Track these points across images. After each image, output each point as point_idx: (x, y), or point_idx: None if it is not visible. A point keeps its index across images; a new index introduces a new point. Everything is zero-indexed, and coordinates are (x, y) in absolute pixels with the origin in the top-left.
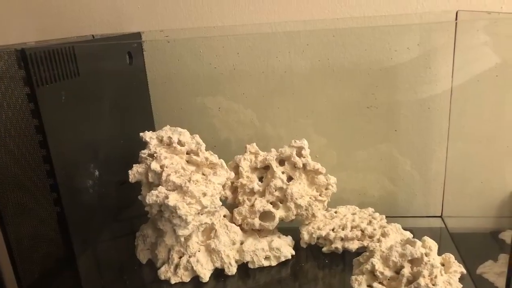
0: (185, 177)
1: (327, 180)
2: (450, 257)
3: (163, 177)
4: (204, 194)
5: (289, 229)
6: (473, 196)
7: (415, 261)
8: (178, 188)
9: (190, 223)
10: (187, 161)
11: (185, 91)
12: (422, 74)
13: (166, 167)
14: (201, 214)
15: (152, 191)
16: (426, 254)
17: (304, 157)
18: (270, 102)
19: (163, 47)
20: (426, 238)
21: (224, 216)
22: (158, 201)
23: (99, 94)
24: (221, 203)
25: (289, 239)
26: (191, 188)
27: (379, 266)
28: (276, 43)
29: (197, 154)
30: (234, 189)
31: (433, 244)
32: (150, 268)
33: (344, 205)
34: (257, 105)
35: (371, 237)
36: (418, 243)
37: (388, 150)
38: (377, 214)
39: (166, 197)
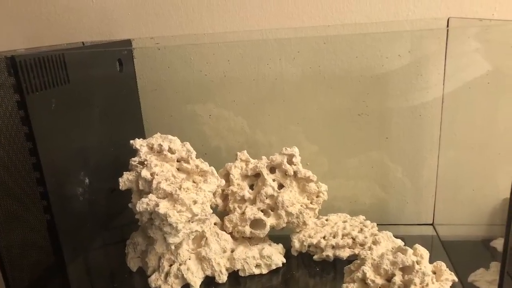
0: (176, 185)
1: (318, 187)
2: (442, 265)
3: (154, 185)
4: (195, 202)
5: (280, 237)
6: (465, 204)
7: (406, 269)
8: (168, 195)
9: (180, 231)
10: (178, 169)
11: (175, 98)
12: (413, 81)
13: (157, 175)
14: (192, 222)
15: (143, 198)
16: (418, 262)
17: (295, 165)
18: (261, 109)
19: (153, 54)
20: (417, 246)
21: (215, 224)
22: (149, 209)
23: (89, 102)
24: (211, 211)
25: (280, 247)
26: (181, 195)
27: (370, 274)
28: (267, 50)
29: (187, 162)
30: (225, 197)
31: (424, 252)
32: (141, 276)
33: (335, 213)
34: (248, 113)
35: (362, 245)
36: (410, 251)
37: (379, 157)
38: (368, 222)
39: (157, 204)
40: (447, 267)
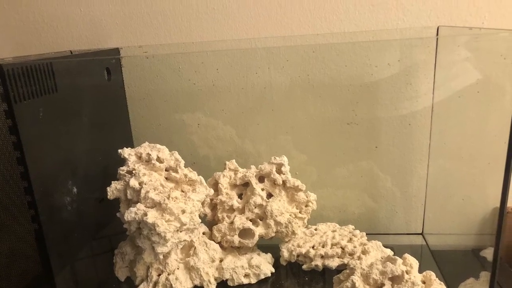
0: (164, 194)
1: (307, 197)
2: (431, 274)
3: (142, 194)
4: (183, 211)
5: (269, 246)
6: (454, 213)
7: (395, 279)
8: (157, 205)
9: (169, 240)
10: (166, 178)
11: (164, 107)
12: (402, 90)
13: (145, 184)
14: (180, 231)
15: (131, 208)
16: (407, 272)
17: (284, 174)
18: (250, 118)
19: (141, 63)
20: (407, 255)
21: (203, 233)
22: (137, 218)
23: (77, 110)
24: (200, 220)
25: (268, 257)
26: (170, 205)
27: (359, 283)
28: (256, 59)
29: (176, 171)
30: (214, 206)
31: (414, 262)
32: (129, 285)
33: (324, 222)
34: (237, 122)
35: (351, 254)
36: (399, 260)
37: (368, 166)
38: (357, 231)
39: (145, 214)
40: (436, 277)
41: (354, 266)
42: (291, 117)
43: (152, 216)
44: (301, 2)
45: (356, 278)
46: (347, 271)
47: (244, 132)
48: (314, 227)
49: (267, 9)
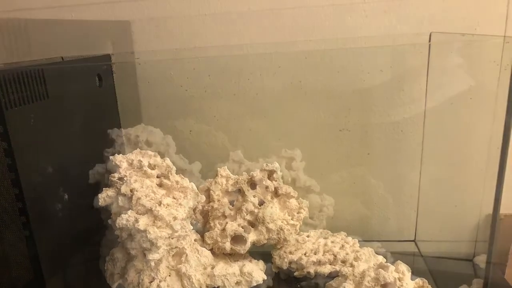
0: (156, 201)
1: (299, 203)
2: (424, 282)
3: (133, 201)
4: (175, 218)
5: (261, 253)
6: (447, 220)
7: (388, 286)
8: (148, 211)
9: (160, 247)
10: (158, 185)
11: (155, 113)
12: (395, 97)
13: (136, 191)
14: (172, 238)
15: (122, 215)
16: (399, 279)
17: (275, 181)
18: (242, 124)
19: (133, 69)
20: (399, 262)
21: (195, 240)
22: (128, 225)
23: (69, 117)
24: (192, 227)
25: (260, 264)
26: (161, 211)
27: None
28: (248, 65)
29: (167, 178)
30: (205, 213)
31: (406, 269)
32: None
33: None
34: (229, 128)
35: (343, 261)
36: (391, 267)
37: (361, 173)
38: (349, 238)
39: (136, 221)
40: (429, 284)
41: (346, 273)
42: (283, 123)
43: (144, 222)
44: (293, 8)
45: (348, 285)
46: (339, 278)
47: (236, 138)
48: (306, 234)
49: (259, 15)
